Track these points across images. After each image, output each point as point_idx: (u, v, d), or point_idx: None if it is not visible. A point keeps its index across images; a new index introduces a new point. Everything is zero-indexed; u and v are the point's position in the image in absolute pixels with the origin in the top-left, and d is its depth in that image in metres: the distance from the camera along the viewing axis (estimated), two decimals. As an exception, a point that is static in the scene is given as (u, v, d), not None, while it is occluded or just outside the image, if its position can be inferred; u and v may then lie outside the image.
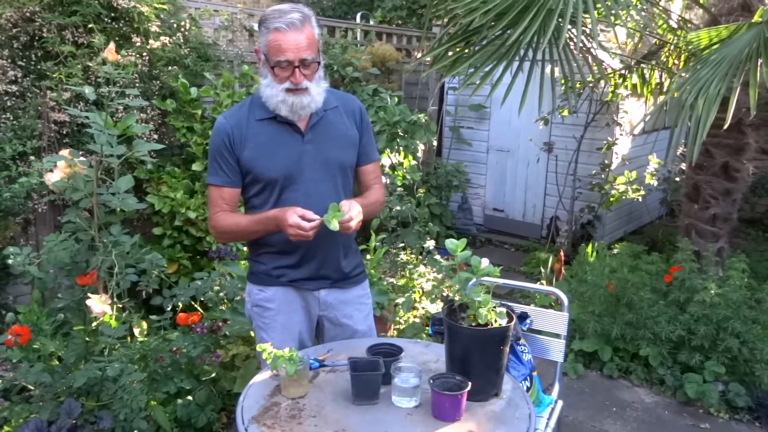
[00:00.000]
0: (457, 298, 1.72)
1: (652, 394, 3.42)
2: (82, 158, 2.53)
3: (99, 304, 2.24)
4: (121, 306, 2.68)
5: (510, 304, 1.96)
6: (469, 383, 1.60)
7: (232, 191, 2.01)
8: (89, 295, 2.31)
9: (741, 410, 3.21)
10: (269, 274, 2.07)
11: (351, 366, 1.67)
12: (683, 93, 2.67)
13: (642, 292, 3.55)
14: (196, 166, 3.64)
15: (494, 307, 1.65)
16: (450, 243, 1.66)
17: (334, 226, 1.75)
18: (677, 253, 3.88)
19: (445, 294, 3.76)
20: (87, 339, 2.63)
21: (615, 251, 4.64)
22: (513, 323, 1.67)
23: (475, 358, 1.66)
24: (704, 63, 2.80)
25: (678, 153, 5.94)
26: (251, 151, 1.95)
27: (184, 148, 3.79)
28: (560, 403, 2.35)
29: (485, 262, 1.68)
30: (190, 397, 2.88)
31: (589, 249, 4.80)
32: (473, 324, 1.66)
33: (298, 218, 1.81)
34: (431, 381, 1.62)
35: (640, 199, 5.23)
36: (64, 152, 2.38)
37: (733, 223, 3.94)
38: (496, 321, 1.63)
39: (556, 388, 2.42)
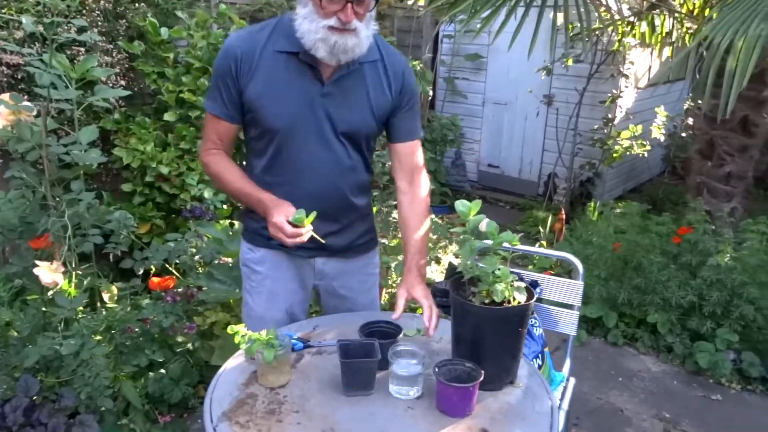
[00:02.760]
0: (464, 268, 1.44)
1: (659, 362, 3.22)
2: (27, 103, 2.18)
3: (48, 273, 1.95)
4: (80, 272, 2.39)
5: (514, 270, 1.70)
6: (482, 372, 1.34)
7: (229, 127, 1.70)
8: (36, 262, 2.01)
9: (754, 380, 3.02)
10: (260, 234, 1.78)
11: (341, 351, 1.40)
12: (716, 35, 2.36)
13: (652, 255, 3.32)
14: (168, 116, 3.30)
15: (513, 281, 1.38)
16: (461, 205, 1.38)
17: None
18: (686, 213, 3.65)
19: (449, 262, 3.48)
20: (44, 309, 2.35)
21: (618, 210, 4.39)
22: (534, 300, 1.40)
23: (489, 342, 1.40)
24: (738, 2, 2.48)
25: (686, 107, 5.66)
26: (257, 87, 1.61)
27: (156, 96, 3.43)
28: (572, 380, 2.12)
29: (485, 224, 1.40)
30: (163, 371, 2.62)
31: (592, 208, 4.55)
32: (486, 302, 1.39)
33: (284, 220, 1.53)
34: (436, 369, 1.36)
35: (646, 155, 4.96)
36: (5, 96, 2.04)
37: (749, 182, 3.69)
38: (514, 299, 1.37)
39: (567, 364, 2.19)
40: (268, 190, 1.67)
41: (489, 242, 1.41)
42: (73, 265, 2.36)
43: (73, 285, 2.35)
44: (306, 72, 1.61)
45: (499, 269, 1.37)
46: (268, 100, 1.61)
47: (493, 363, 1.40)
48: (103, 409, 2.38)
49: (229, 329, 1.38)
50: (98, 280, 2.97)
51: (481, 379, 1.32)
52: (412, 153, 1.78)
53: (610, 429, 2.66)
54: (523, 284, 1.41)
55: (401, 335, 1.54)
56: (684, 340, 3.21)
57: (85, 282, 2.50)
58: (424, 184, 1.79)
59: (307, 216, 1.51)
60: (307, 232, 1.53)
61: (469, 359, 1.39)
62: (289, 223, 1.52)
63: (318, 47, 1.52)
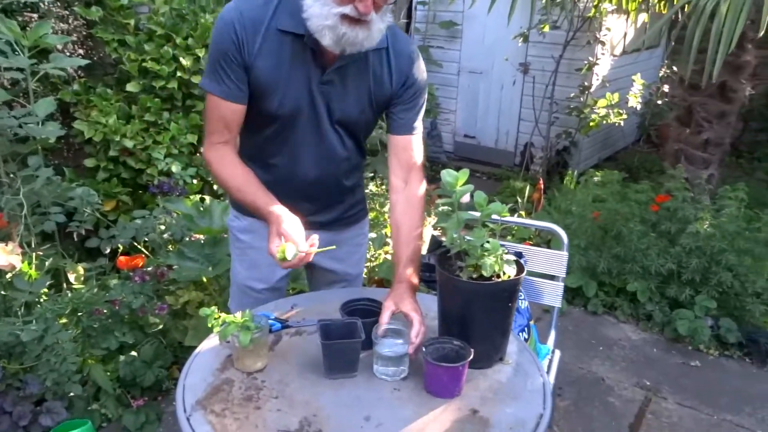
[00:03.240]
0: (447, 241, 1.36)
1: (638, 330, 3.23)
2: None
3: (4, 255, 1.82)
4: (40, 253, 2.25)
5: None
6: (471, 350, 1.27)
7: (238, 110, 1.50)
8: (-10, 244, 1.88)
9: (731, 346, 3.04)
10: None
11: (321, 332, 1.32)
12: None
13: (631, 224, 3.29)
14: (131, 87, 3.13)
15: (502, 255, 1.30)
16: (448, 175, 1.29)
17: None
18: (664, 180, 3.63)
19: (431, 235, 3.41)
20: (3, 293, 2.22)
21: (595, 179, 4.36)
22: (524, 274, 1.33)
23: (478, 319, 1.33)
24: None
25: (661, 74, 5.64)
26: (263, 69, 1.45)
27: (117, 66, 3.25)
28: (558, 353, 2.08)
29: (469, 195, 1.32)
30: (134, 353, 2.52)
31: (569, 177, 4.52)
32: (474, 276, 1.32)
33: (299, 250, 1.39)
34: (423, 349, 1.29)
35: (622, 123, 4.93)
36: (-54, 64, 1.87)
37: (726, 149, 3.69)
38: (504, 273, 1.30)
39: (552, 336, 2.15)
40: (262, 167, 1.59)
41: (476, 214, 1.33)
42: (32, 246, 2.22)
43: (33, 267, 2.22)
44: (309, 56, 1.46)
45: (488, 242, 1.29)
46: (273, 85, 1.47)
47: (482, 340, 1.33)
48: (72, 394, 2.27)
49: (201, 311, 1.28)
50: (62, 261, 2.83)
51: (471, 357, 1.26)
52: (409, 148, 1.62)
53: (593, 398, 2.65)
54: (512, 257, 1.33)
55: (385, 313, 1.46)
56: (663, 308, 3.21)
57: (47, 263, 2.37)
58: (421, 184, 1.64)
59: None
60: (310, 253, 1.41)
61: (457, 337, 1.32)
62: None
63: (324, 34, 1.37)
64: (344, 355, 1.31)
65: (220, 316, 1.30)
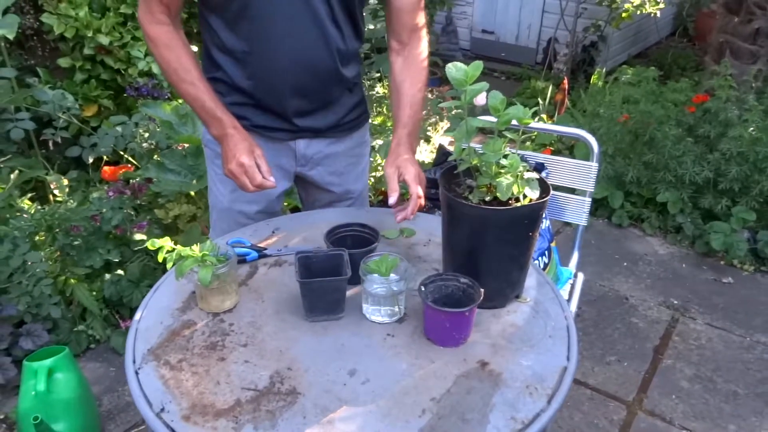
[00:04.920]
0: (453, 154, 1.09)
1: (666, 244, 2.98)
2: None
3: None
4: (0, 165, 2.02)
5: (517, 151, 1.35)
6: (481, 291, 1.03)
7: None
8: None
9: (768, 261, 2.80)
10: None
11: (299, 267, 1.09)
12: None
13: (666, 127, 2.96)
14: (103, -26, 2.76)
15: (523, 172, 1.03)
16: (454, 69, 1.00)
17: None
18: (703, 78, 3.25)
19: (439, 144, 3.10)
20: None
21: (625, 77, 3.96)
22: (549, 196, 1.06)
23: (491, 252, 1.08)
24: None
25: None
26: None
27: (87, -51, 2.85)
28: (581, 276, 1.85)
29: (483, 96, 1.04)
30: (120, 272, 2.34)
31: (596, 75, 4.11)
32: (488, 199, 1.05)
33: (253, 163, 1.25)
34: (422, 288, 1.05)
35: (658, 14, 4.43)
36: None
37: (777, 41, 3.25)
38: (525, 195, 1.03)
39: (575, 258, 1.91)
40: (235, 61, 1.32)
41: (491, 119, 1.05)
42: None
43: (-5, 181, 2.00)
44: None
45: (505, 157, 1.02)
46: None
47: (495, 277, 1.09)
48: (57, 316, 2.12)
49: (150, 244, 1.05)
50: (42, 172, 2.61)
51: (480, 301, 1.02)
52: (411, 11, 1.41)
53: (614, 319, 2.46)
54: (535, 175, 1.06)
55: (378, 241, 1.22)
56: (695, 220, 2.94)
57: (12, 175, 2.14)
58: (423, 45, 1.44)
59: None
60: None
61: (464, 273, 1.08)
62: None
63: None
64: (326, 294, 1.08)
65: (173, 249, 1.06)
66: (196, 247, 1.06)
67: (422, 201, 1.28)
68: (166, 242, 1.05)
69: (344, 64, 1.40)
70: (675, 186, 2.96)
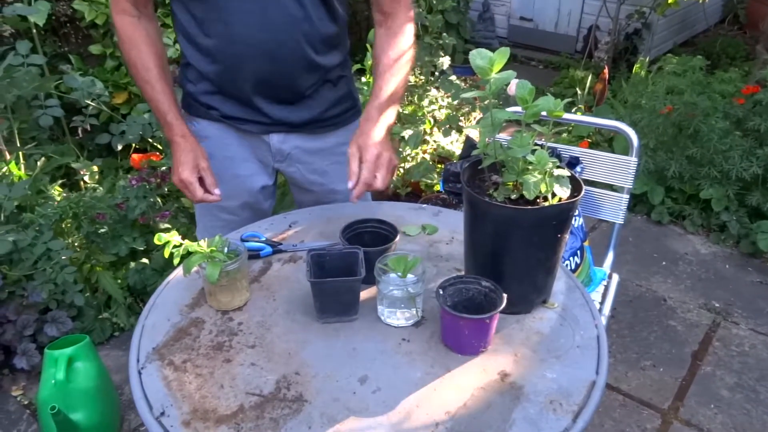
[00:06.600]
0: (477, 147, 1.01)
1: (709, 243, 2.83)
2: None
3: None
4: (24, 151, 2.02)
5: (549, 144, 1.26)
6: (504, 295, 0.96)
7: None
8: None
9: (820, 264, 2.63)
10: (197, 100, 1.38)
11: (311, 266, 1.03)
12: None
13: (712, 120, 2.80)
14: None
15: (552, 169, 0.95)
16: (479, 57, 0.92)
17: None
18: (755, 67, 3.06)
19: (466, 135, 3.01)
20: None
21: (670, 67, 3.78)
22: (581, 195, 0.98)
23: (516, 254, 1.00)
24: None
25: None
26: None
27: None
28: (616, 278, 1.75)
29: (513, 85, 0.96)
30: (145, 260, 2.33)
31: (639, 65, 3.94)
32: (514, 197, 0.98)
33: (194, 179, 1.24)
34: (441, 292, 0.98)
35: (706, 0, 4.21)
36: None
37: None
38: (554, 194, 0.95)
39: (610, 258, 1.81)
40: (195, 47, 1.27)
41: (519, 111, 0.97)
42: (18, 144, 1.98)
43: (22, 167, 2.00)
44: None
45: (533, 152, 0.94)
46: None
47: (520, 281, 1.02)
48: (81, 304, 2.13)
49: (157, 238, 1.01)
50: (71, 159, 2.62)
51: (502, 307, 0.95)
52: None
53: (651, 321, 2.34)
54: (566, 172, 0.98)
55: (397, 238, 1.16)
56: (741, 219, 2.79)
57: (38, 163, 2.14)
58: (406, 15, 1.35)
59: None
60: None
61: (486, 275, 1.01)
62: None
63: None
64: (339, 295, 1.03)
65: (181, 244, 1.02)
66: (203, 242, 1.02)
67: (378, 185, 1.21)
68: (173, 236, 1.01)
69: (318, 51, 1.29)
70: (720, 182, 2.81)
